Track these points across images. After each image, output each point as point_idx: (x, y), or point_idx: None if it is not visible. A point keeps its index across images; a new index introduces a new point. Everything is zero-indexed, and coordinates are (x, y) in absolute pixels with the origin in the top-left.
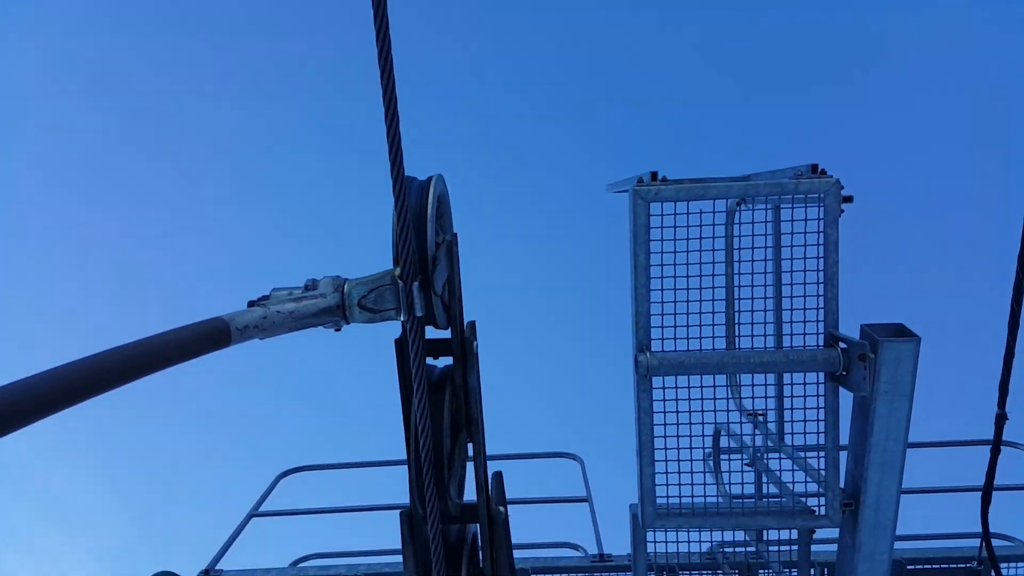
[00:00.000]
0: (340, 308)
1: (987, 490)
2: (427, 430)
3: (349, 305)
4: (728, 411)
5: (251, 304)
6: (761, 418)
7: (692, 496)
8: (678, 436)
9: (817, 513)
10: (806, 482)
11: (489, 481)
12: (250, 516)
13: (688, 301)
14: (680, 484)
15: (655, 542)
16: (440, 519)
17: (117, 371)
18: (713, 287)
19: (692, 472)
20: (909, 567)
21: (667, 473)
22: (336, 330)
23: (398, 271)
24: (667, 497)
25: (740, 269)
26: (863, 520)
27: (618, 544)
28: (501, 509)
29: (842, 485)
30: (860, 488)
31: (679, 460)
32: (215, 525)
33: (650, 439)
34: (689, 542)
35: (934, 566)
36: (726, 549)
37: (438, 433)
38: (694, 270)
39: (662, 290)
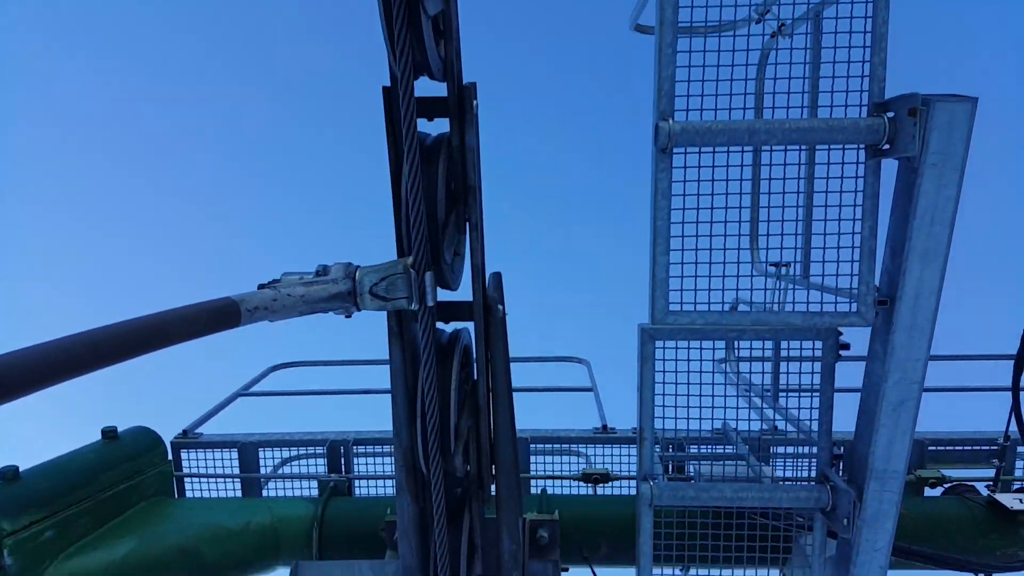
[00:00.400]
0: (351, 295)
1: (1020, 358)
2: (418, 195)
3: (360, 292)
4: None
5: (261, 287)
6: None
7: (708, 301)
8: (697, 223)
9: (849, 311)
10: (836, 301)
11: (487, 278)
12: (237, 395)
13: (718, 65)
14: (696, 289)
15: (664, 360)
16: (431, 316)
17: (126, 344)
18: (748, 49)
19: (711, 275)
20: (931, 448)
21: (682, 264)
22: (346, 316)
23: (410, 260)
24: (681, 302)
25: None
26: (898, 320)
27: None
28: (500, 307)
29: (877, 283)
30: (897, 283)
31: (697, 251)
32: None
33: (666, 225)
34: (701, 362)
35: (956, 447)
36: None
37: (431, 198)
38: (726, 34)
39: (689, 52)
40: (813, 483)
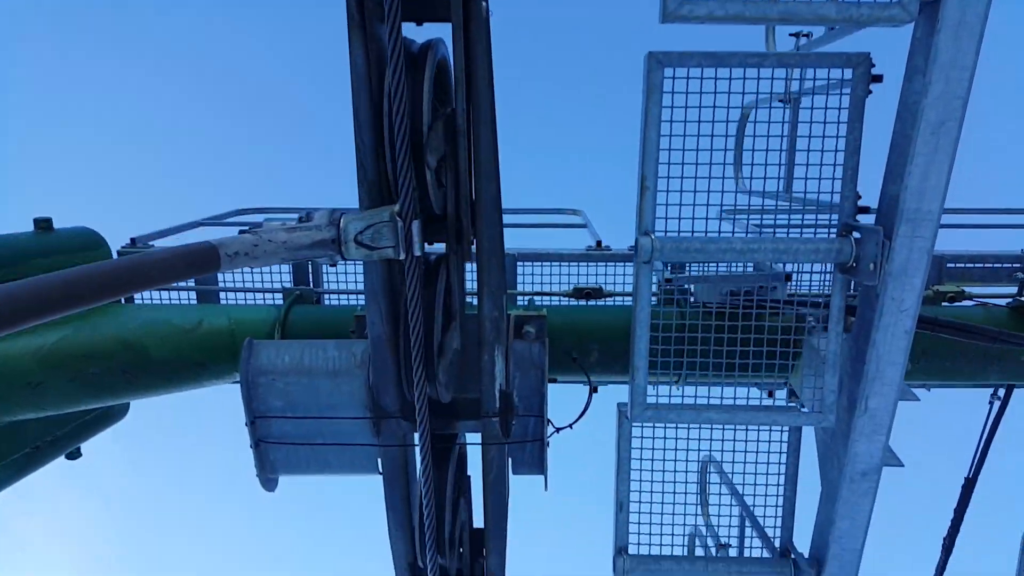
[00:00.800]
0: (336, 243)
1: None
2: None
3: (345, 240)
4: None
5: (242, 232)
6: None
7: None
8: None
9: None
10: None
11: None
12: (197, 223)
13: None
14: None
15: (673, 93)
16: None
17: (103, 285)
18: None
19: None
20: (949, 264)
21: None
22: (331, 264)
23: (397, 208)
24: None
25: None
26: (945, 16)
27: None
28: (483, 2)
29: None
30: None
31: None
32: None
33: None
34: (714, 109)
35: (977, 265)
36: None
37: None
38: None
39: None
40: (835, 236)
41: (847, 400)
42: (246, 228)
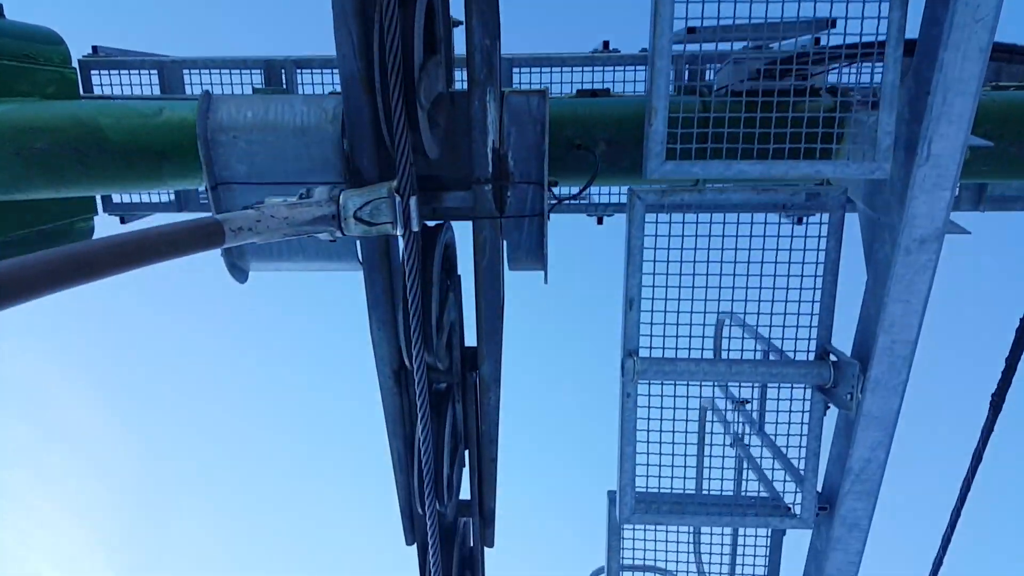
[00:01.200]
0: (335, 219)
1: None
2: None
3: (344, 216)
4: None
5: (246, 208)
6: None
7: None
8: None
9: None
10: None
11: None
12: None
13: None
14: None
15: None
16: None
17: (108, 260)
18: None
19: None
20: None
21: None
22: (331, 240)
23: (395, 184)
24: None
25: None
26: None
27: None
28: None
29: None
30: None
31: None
32: None
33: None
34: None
35: None
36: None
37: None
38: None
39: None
40: None
41: (904, 151)
42: (250, 205)
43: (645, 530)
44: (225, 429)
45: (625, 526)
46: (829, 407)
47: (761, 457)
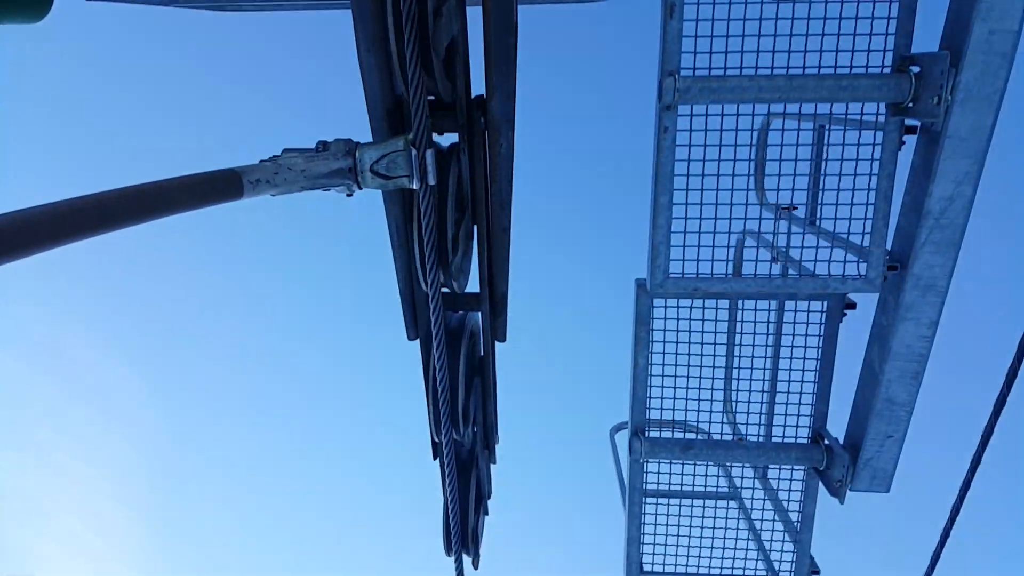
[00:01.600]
0: (352, 172)
1: None
2: None
3: (361, 170)
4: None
5: (263, 162)
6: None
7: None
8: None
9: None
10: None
11: None
12: None
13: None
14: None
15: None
16: None
17: (125, 210)
18: None
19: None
20: None
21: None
22: (348, 195)
23: (411, 136)
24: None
25: None
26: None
27: None
28: None
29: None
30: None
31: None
32: None
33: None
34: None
35: None
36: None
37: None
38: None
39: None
40: None
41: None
42: (267, 158)
43: (678, 311)
44: (250, 387)
45: (656, 304)
46: (904, 143)
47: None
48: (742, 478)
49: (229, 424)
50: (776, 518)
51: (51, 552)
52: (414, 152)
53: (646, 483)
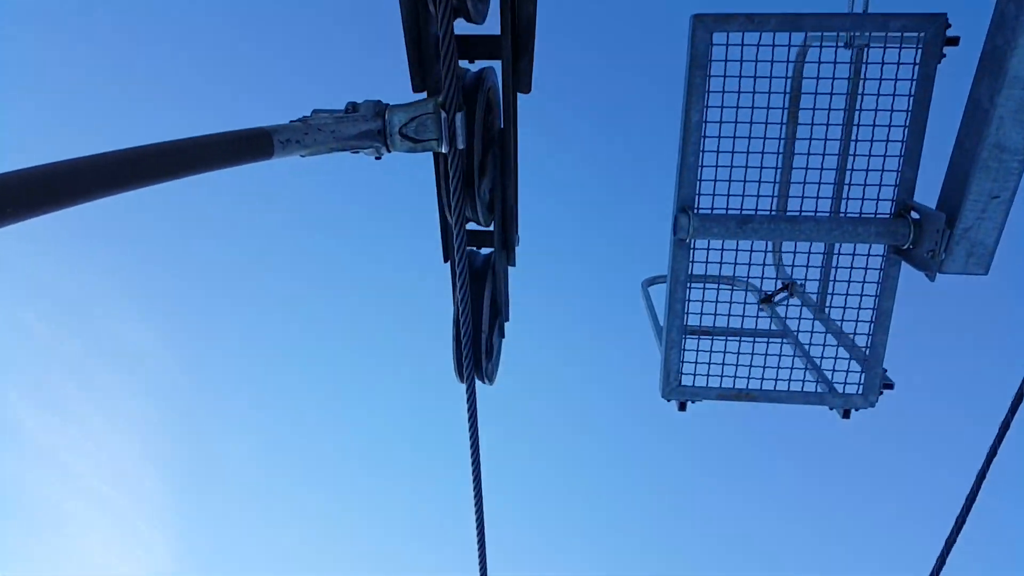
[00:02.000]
0: (381, 134)
1: None
2: None
3: (390, 132)
4: None
5: (293, 122)
6: None
7: None
8: None
9: None
10: None
11: None
12: None
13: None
14: None
15: None
16: None
17: (160, 165)
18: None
19: None
20: None
21: None
22: (376, 158)
23: (441, 99)
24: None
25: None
26: None
27: None
28: None
29: None
30: None
31: None
32: None
33: None
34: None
35: None
36: None
37: None
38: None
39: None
40: None
41: None
42: (298, 119)
43: (742, 50)
44: (271, 341)
45: (716, 43)
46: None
47: None
48: (799, 319)
49: (252, 380)
50: (839, 342)
51: (76, 509)
52: (444, 115)
53: (688, 312)
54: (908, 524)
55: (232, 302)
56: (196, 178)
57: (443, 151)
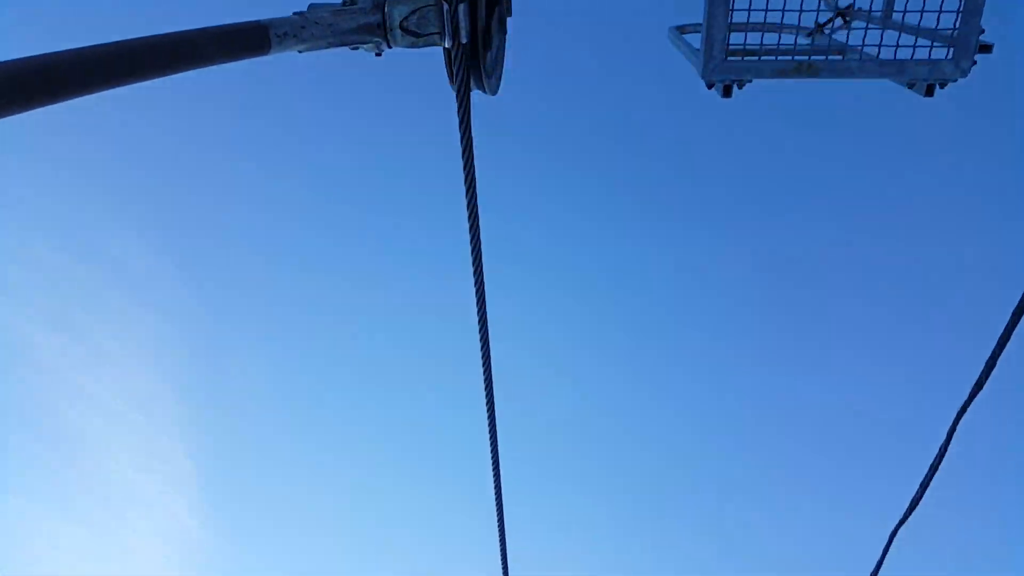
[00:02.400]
0: (380, 28)
1: None
2: None
3: (391, 26)
4: None
5: (292, 14)
6: None
7: None
8: None
9: None
10: None
11: None
12: None
13: None
14: None
15: None
16: None
17: (152, 60)
18: None
19: None
20: None
21: None
22: (377, 54)
23: None
24: None
25: None
26: None
27: None
28: None
29: None
30: None
31: None
32: None
33: None
34: None
35: None
36: None
37: None
38: None
39: None
40: None
41: None
42: (296, 12)
43: None
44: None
45: None
46: None
47: None
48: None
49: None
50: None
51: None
52: (446, 7)
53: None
54: None
55: (234, 213)
56: (205, 94)
57: (446, 45)
